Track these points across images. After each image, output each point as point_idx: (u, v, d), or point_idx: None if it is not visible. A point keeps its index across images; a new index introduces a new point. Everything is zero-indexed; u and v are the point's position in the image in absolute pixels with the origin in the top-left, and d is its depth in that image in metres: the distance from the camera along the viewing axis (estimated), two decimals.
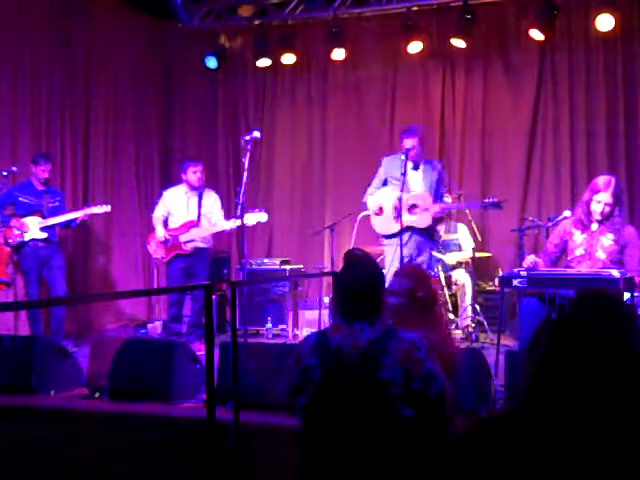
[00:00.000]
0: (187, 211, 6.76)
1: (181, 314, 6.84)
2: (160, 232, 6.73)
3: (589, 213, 4.79)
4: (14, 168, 6.35)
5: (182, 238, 6.65)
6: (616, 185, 4.80)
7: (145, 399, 4.04)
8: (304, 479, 2.45)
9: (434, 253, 6.30)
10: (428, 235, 5.86)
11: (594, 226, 4.81)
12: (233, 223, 6.53)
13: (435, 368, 2.37)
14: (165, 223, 6.81)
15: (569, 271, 4.69)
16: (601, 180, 4.83)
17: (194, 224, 6.69)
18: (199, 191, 6.80)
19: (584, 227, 4.84)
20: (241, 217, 5.76)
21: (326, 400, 2.37)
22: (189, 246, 6.65)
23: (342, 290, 2.51)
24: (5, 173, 6.23)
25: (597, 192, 4.75)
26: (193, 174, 6.74)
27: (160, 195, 7.11)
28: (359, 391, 2.32)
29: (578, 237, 4.85)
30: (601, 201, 4.74)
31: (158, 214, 6.85)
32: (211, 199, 6.86)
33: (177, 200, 6.79)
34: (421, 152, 5.84)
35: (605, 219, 4.76)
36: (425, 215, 5.74)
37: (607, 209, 4.73)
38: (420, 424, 2.34)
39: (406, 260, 5.73)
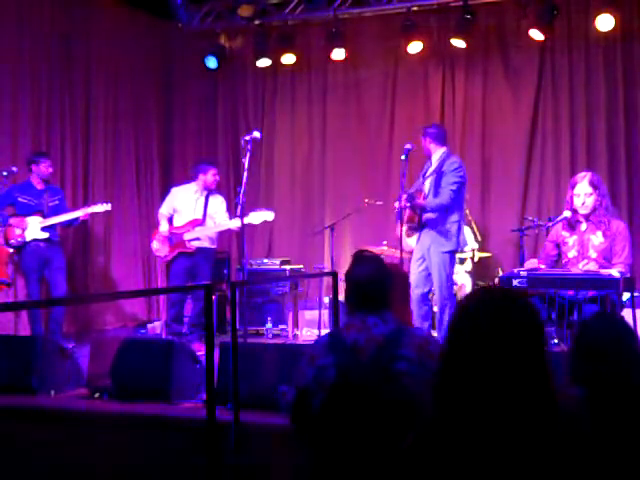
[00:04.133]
0: (193, 211, 6.77)
1: (182, 314, 6.83)
2: (164, 227, 6.75)
3: (574, 211, 4.82)
4: (14, 168, 6.34)
5: (186, 236, 6.66)
6: (592, 176, 4.84)
7: (145, 399, 4.04)
8: (319, 477, 2.45)
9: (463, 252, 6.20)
10: (435, 234, 5.56)
11: (583, 226, 4.84)
12: (238, 222, 6.55)
13: None
14: (170, 221, 6.83)
15: (569, 271, 4.70)
16: (578, 175, 4.91)
17: (199, 223, 6.71)
18: (207, 193, 6.83)
19: (573, 229, 4.87)
20: (241, 217, 5.77)
21: (343, 396, 2.37)
22: (193, 244, 6.65)
23: (352, 283, 2.58)
24: (5, 173, 6.23)
25: (574, 186, 4.81)
26: (213, 176, 6.80)
27: (163, 192, 7.11)
28: (377, 382, 2.33)
29: (569, 239, 4.88)
30: (580, 193, 4.79)
31: (164, 211, 6.86)
32: (217, 201, 6.89)
33: (186, 199, 6.81)
34: (426, 150, 5.75)
35: (591, 214, 4.77)
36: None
37: (588, 201, 4.76)
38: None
39: (419, 261, 5.67)
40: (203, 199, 6.81)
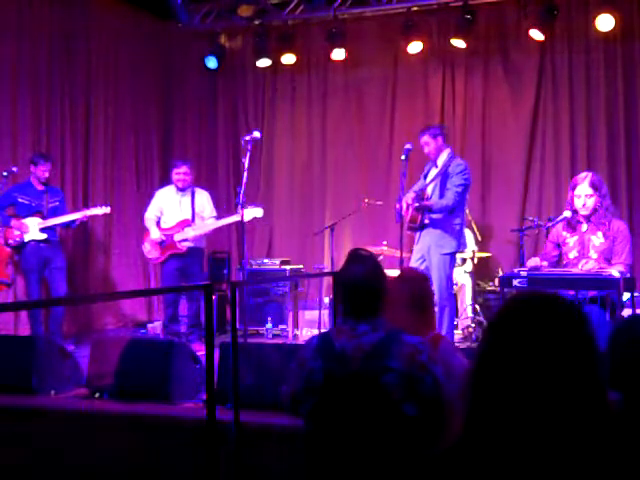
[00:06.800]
0: (180, 210, 6.77)
1: (177, 314, 6.84)
2: (155, 233, 6.73)
3: (575, 212, 4.82)
4: (14, 168, 6.35)
5: (177, 237, 6.65)
6: (593, 177, 4.83)
7: (145, 399, 4.04)
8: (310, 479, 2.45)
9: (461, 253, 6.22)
10: (437, 235, 5.56)
11: (584, 227, 4.83)
12: (228, 219, 6.56)
13: (437, 371, 2.37)
14: (157, 223, 6.82)
15: (569, 271, 4.69)
16: (579, 176, 4.90)
17: (188, 223, 6.71)
18: (191, 191, 6.82)
19: (573, 229, 4.87)
20: (242, 217, 5.77)
21: (330, 402, 2.36)
22: (184, 245, 6.65)
23: (343, 285, 2.48)
24: (5, 173, 6.23)
25: (575, 187, 4.81)
26: (176, 175, 6.81)
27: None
28: (363, 393, 2.30)
29: (570, 240, 4.88)
30: (580, 194, 4.79)
31: (150, 215, 6.84)
32: (203, 198, 6.89)
33: (169, 200, 6.81)
34: (436, 151, 5.72)
35: (592, 215, 4.77)
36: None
37: (589, 202, 4.76)
38: (422, 423, 2.34)
39: (419, 261, 5.65)
40: (188, 198, 6.79)
